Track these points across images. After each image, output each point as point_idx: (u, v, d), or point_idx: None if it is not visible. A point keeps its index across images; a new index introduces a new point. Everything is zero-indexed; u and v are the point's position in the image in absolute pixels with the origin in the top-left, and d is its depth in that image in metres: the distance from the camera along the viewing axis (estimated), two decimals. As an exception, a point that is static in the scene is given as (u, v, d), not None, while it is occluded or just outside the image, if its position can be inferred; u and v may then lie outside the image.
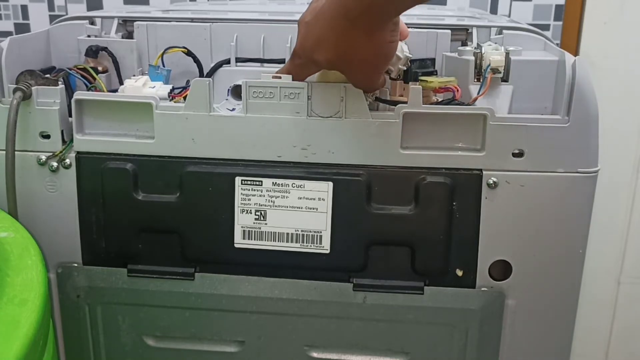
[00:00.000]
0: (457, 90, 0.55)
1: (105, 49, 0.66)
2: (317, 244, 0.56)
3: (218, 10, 0.76)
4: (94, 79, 0.63)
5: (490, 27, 0.67)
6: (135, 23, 0.69)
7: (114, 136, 0.57)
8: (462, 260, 0.57)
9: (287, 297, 0.58)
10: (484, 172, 0.55)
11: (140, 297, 0.60)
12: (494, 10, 1.01)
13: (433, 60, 0.57)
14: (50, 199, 0.58)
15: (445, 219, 0.55)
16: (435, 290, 0.57)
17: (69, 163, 0.57)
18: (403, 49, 0.55)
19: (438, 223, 0.56)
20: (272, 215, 0.56)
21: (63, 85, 0.58)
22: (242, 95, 0.55)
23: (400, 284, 0.57)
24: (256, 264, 0.58)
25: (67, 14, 1.02)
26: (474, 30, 0.67)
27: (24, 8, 1.07)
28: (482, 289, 0.57)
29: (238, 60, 0.67)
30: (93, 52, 0.66)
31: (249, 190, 0.56)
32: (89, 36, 0.68)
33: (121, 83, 0.66)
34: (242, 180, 0.56)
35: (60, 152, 0.57)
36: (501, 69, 0.57)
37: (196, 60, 0.67)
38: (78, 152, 0.57)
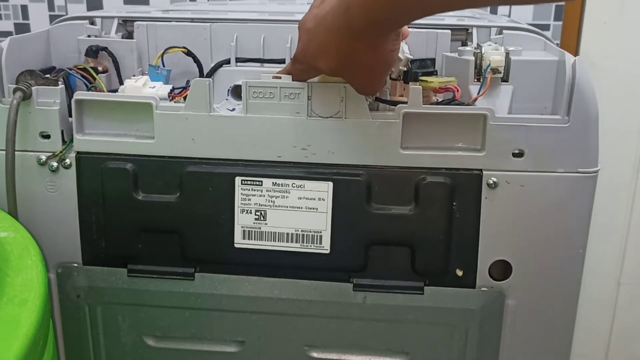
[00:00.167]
0: (457, 90, 0.55)
1: (105, 49, 0.66)
2: (317, 244, 0.56)
3: (218, 10, 0.76)
4: (94, 79, 0.63)
5: (490, 27, 0.67)
6: (135, 23, 0.69)
7: (114, 136, 0.57)
8: (462, 260, 0.57)
9: (287, 297, 0.58)
10: (484, 172, 0.55)
11: (140, 297, 0.60)
12: (494, 10, 1.01)
13: (433, 60, 0.57)
14: (50, 199, 0.58)
15: (445, 219, 0.55)
16: (435, 290, 0.57)
17: (69, 163, 0.57)
18: (403, 50, 0.55)
19: (438, 223, 0.56)
20: (272, 215, 0.56)
21: (63, 85, 0.58)
22: (242, 95, 0.55)
23: (400, 284, 0.57)
24: (256, 264, 0.58)
25: (67, 14, 1.02)
26: (474, 30, 0.67)
27: (24, 8, 1.07)
28: (482, 289, 0.57)
29: (238, 60, 0.67)
30: (93, 52, 0.66)
31: (249, 190, 0.56)
32: (89, 36, 0.68)
33: (121, 83, 0.66)
34: (242, 180, 0.56)
35: (60, 152, 0.57)
36: (501, 69, 0.57)
37: (196, 60, 0.67)
38: (78, 152, 0.57)
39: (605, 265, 1.13)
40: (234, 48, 0.67)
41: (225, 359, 0.61)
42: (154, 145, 0.56)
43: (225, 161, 0.56)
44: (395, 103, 0.55)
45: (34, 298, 0.45)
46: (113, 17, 0.71)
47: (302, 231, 0.56)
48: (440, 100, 0.57)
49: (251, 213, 0.56)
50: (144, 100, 0.56)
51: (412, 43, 0.63)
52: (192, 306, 0.59)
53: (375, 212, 0.56)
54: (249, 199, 0.56)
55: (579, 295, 0.59)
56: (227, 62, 0.67)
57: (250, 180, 0.56)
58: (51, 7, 1.06)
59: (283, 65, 0.64)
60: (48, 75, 0.58)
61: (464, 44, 0.68)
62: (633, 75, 1.04)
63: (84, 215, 0.58)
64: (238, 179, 0.56)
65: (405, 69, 0.56)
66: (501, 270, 0.57)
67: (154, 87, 0.59)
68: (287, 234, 0.57)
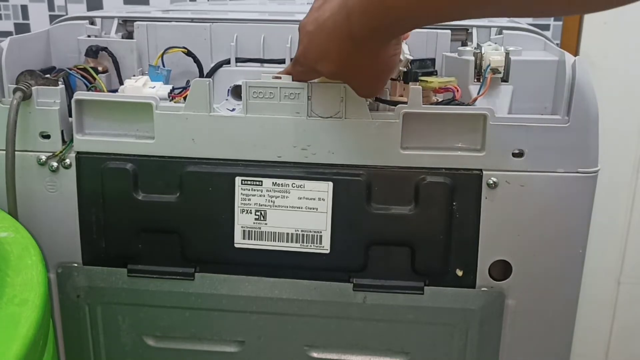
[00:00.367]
0: (457, 91, 0.55)
1: (105, 49, 0.66)
2: (317, 244, 0.56)
3: (218, 10, 0.76)
4: (94, 79, 0.63)
5: (490, 27, 0.67)
6: (135, 23, 0.69)
7: (114, 136, 0.57)
8: (462, 260, 0.57)
9: (287, 297, 0.58)
10: (484, 172, 0.55)
11: (140, 297, 0.60)
12: (494, 10, 1.00)
13: (433, 61, 0.57)
14: (50, 199, 0.58)
15: (445, 219, 0.55)
16: (435, 290, 0.57)
17: (69, 163, 0.57)
18: (404, 51, 0.55)
19: (438, 223, 0.56)
20: (272, 215, 0.56)
21: (63, 85, 0.58)
22: (242, 95, 0.55)
23: (400, 284, 0.57)
24: (256, 264, 0.58)
25: (67, 14, 1.02)
26: (474, 30, 0.67)
27: (24, 8, 1.07)
28: (482, 289, 0.57)
29: (238, 60, 0.67)
30: (93, 52, 0.66)
31: (249, 190, 0.56)
32: (89, 36, 0.68)
33: (121, 83, 0.66)
34: (242, 180, 0.56)
35: (60, 152, 0.57)
36: (501, 69, 0.57)
37: (196, 61, 0.67)
38: (78, 152, 0.57)
39: (605, 264, 1.13)
40: (234, 48, 0.67)
41: (225, 359, 0.61)
42: (154, 145, 0.56)
43: (225, 161, 0.56)
44: (395, 103, 0.55)
45: (34, 298, 0.45)
46: (113, 17, 0.71)
47: (302, 231, 0.56)
48: (440, 100, 0.57)
49: (251, 213, 0.56)
50: (144, 101, 0.56)
51: (412, 43, 0.63)
52: (192, 306, 0.59)
53: (375, 212, 0.56)
54: (249, 199, 0.56)
55: (579, 295, 0.59)
56: (227, 62, 0.67)
57: (250, 180, 0.56)
58: (51, 7, 1.06)
59: (283, 66, 0.65)
60: (48, 75, 0.58)
61: (464, 44, 0.68)
62: (633, 75, 1.04)
63: (84, 215, 0.58)
64: (238, 179, 0.56)
65: (405, 69, 0.56)
66: (501, 270, 0.57)
67: (154, 87, 0.59)
68: (287, 234, 0.57)
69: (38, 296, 0.46)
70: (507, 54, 0.58)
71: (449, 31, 0.67)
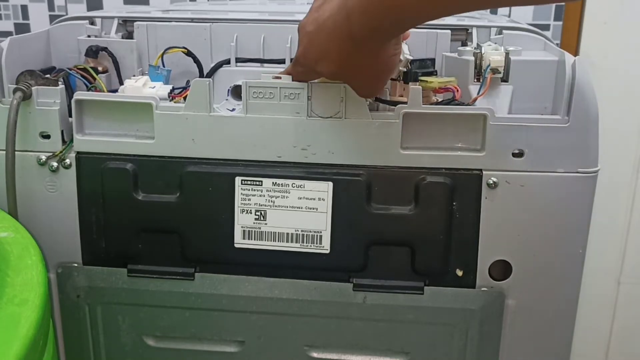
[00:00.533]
0: (457, 91, 0.55)
1: (105, 49, 0.66)
2: (317, 244, 0.56)
3: (218, 10, 0.76)
4: (94, 79, 0.63)
5: (490, 27, 0.67)
6: (135, 23, 0.69)
7: (114, 136, 0.57)
8: (462, 260, 0.57)
9: (287, 297, 0.58)
10: (484, 172, 0.55)
11: (140, 297, 0.60)
12: (493, 10, 1.01)
13: (433, 61, 0.57)
14: (50, 199, 0.58)
15: (445, 219, 0.55)
16: (435, 290, 0.57)
17: (69, 163, 0.57)
18: (404, 51, 0.55)
19: (438, 223, 0.56)
20: (272, 215, 0.56)
21: (63, 86, 0.58)
22: (242, 95, 0.55)
23: (400, 284, 0.57)
24: (256, 264, 0.58)
25: (67, 14, 1.02)
26: (474, 30, 0.67)
27: (24, 8, 1.07)
28: (482, 289, 0.57)
29: (238, 60, 0.67)
30: (93, 52, 0.66)
31: (249, 190, 0.56)
32: (89, 36, 0.68)
33: (121, 83, 0.66)
34: (242, 180, 0.56)
35: (60, 152, 0.57)
36: (501, 69, 0.57)
37: (196, 61, 0.67)
38: (78, 152, 0.57)
39: (605, 264, 1.13)
40: (234, 48, 0.67)
41: (225, 359, 0.61)
42: (154, 145, 0.56)
43: (225, 161, 0.56)
44: (395, 103, 0.55)
45: (34, 298, 0.45)
46: (113, 17, 0.71)
47: (302, 231, 0.56)
48: (440, 100, 0.57)
49: (251, 213, 0.56)
50: (144, 101, 0.56)
51: (412, 43, 0.63)
52: (192, 306, 0.59)
53: (375, 212, 0.56)
54: (249, 199, 0.56)
55: (579, 295, 0.59)
56: (227, 62, 0.67)
57: (250, 180, 0.56)
58: (51, 7, 1.06)
59: (283, 66, 0.65)
60: (48, 75, 0.58)
61: (464, 44, 0.68)
62: (633, 75, 1.04)
63: (84, 215, 0.58)
64: (238, 179, 0.56)
65: (405, 69, 0.56)
66: (501, 270, 0.57)
67: (154, 87, 0.59)
68: (287, 234, 0.57)
69: (38, 296, 0.46)
70: (507, 54, 0.58)
71: (449, 31, 0.67)
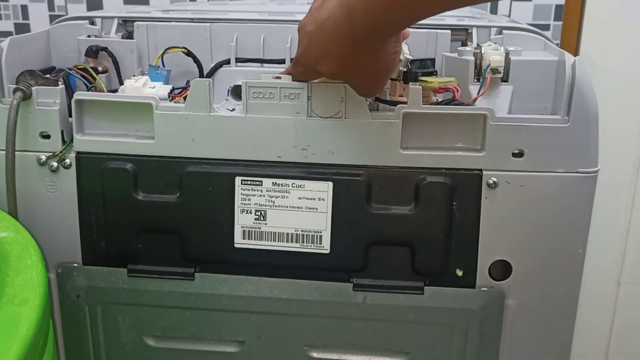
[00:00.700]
0: (457, 91, 0.55)
1: (105, 49, 0.66)
2: (317, 244, 0.56)
3: (218, 10, 0.76)
4: (94, 79, 0.63)
5: (490, 27, 0.67)
6: (135, 23, 0.69)
7: (114, 136, 0.57)
8: (462, 260, 0.57)
9: (287, 297, 0.58)
10: (483, 172, 0.55)
11: (140, 297, 0.60)
12: (494, 10, 1.01)
13: (433, 61, 0.57)
14: (50, 199, 0.58)
15: (445, 219, 0.55)
16: (435, 290, 0.57)
17: (69, 163, 0.57)
18: (404, 51, 0.55)
19: (438, 223, 0.56)
20: (272, 215, 0.56)
21: (63, 86, 0.58)
22: (242, 95, 0.55)
23: (400, 284, 0.57)
24: (256, 264, 0.58)
25: (67, 14, 1.02)
26: (474, 31, 0.67)
27: (24, 8, 1.07)
28: (482, 289, 0.57)
29: (238, 60, 0.67)
30: (93, 52, 0.66)
31: (249, 190, 0.56)
32: (89, 36, 0.68)
33: (121, 83, 0.66)
34: (242, 180, 0.56)
35: (60, 152, 0.57)
36: (501, 69, 0.57)
37: (196, 61, 0.67)
38: (78, 152, 0.57)
39: (605, 264, 1.13)
40: (234, 48, 0.67)
41: (225, 359, 0.61)
42: (154, 146, 0.56)
43: (225, 161, 0.56)
44: (395, 103, 0.55)
45: (34, 298, 0.45)
46: (113, 17, 0.71)
47: (302, 231, 0.56)
48: (440, 100, 0.57)
49: (251, 213, 0.56)
50: (144, 101, 0.56)
51: (412, 43, 0.63)
52: (192, 306, 0.59)
53: (375, 212, 0.56)
54: (249, 199, 0.56)
55: (579, 295, 0.59)
56: (227, 62, 0.67)
57: (250, 180, 0.56)
58: (51, 7, 1.06)
59: (283, 66, 0.65)
60: (48, 76, 0.58)
61: (464, 44, 0.68)
62: (633, 75, 1.04)
63: (84, 215, 0.58)
64: (238, 179, 0.56)
65: (405, 69, 0.56)
66: (501, 270, 0.57)
67: (154, 87, 0.59)
68: (287, 234, 0.57)
69: (38, 296, 0.46)
70: (507, 54, 0.58)
71: (449, 31, 0.67)
